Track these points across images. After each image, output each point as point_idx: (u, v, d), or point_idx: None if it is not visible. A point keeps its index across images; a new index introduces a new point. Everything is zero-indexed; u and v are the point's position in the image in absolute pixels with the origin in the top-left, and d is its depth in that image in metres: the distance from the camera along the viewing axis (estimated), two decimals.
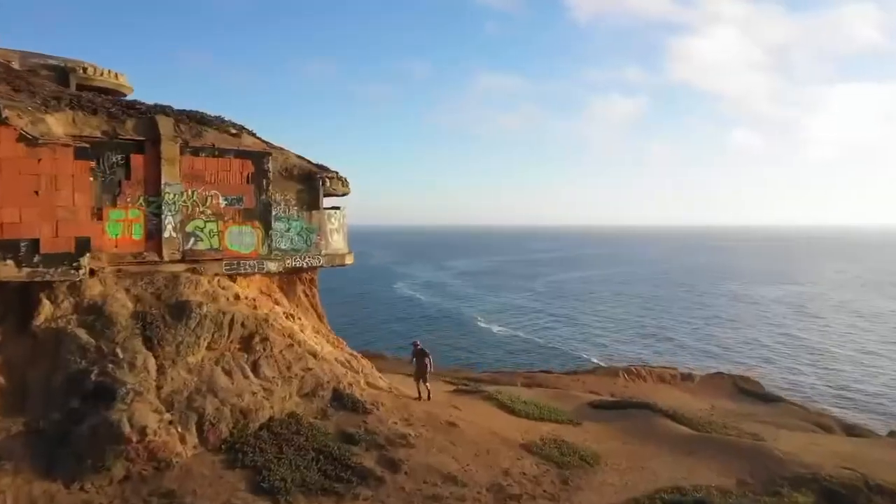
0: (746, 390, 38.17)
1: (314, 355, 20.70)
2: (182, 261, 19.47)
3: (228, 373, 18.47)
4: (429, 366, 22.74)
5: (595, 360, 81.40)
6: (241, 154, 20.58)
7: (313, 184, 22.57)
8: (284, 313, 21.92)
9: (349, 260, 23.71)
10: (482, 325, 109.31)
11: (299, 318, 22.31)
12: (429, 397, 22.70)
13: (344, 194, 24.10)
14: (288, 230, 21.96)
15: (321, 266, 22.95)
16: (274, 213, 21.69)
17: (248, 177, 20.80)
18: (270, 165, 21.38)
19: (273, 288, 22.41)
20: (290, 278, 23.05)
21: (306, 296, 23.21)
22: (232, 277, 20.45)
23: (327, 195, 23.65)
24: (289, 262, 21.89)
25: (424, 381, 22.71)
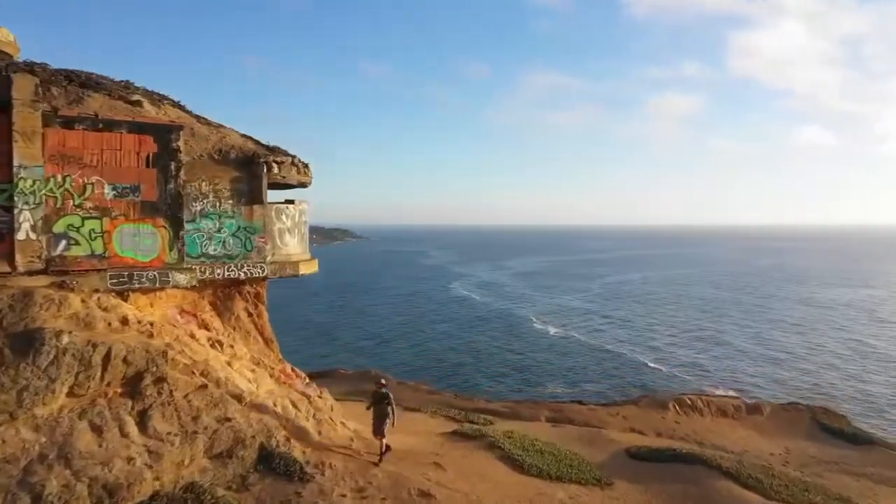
0: (829, 427, 30.83)
1: (238, 399, 15.26)
2: (45, 272, 14.23)
3: (98, 429, 13.18)
4: (391, 415, 16.91)
5: (652, 365, 74.95)
6: (139, 128, 15.19)
7: (254, 170, 17.11)
8: (211, 340, 16.56)
9: (307, 268, 18.13)
10: (537, 326, 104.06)
11: (231, 346, 16.88)
12: (385, 451, 16.90)
13: (302, 184, 18.56)
14: (219, 230, 16.51)
15: (265, 277, 17.47)
16: (198, 207, 16.30)
17: (148, 158, 15.42)
18: (182, 143, 15.96)
19: (202, 306, 17.01)
20: (226, 293, 17.60)
21: (249, 315, 17.76)
22: (123, 294, 15.14)
23: (277, 185, 18.16)
24: (218, 273, 16.44)
25: (383, 436, 16.88)
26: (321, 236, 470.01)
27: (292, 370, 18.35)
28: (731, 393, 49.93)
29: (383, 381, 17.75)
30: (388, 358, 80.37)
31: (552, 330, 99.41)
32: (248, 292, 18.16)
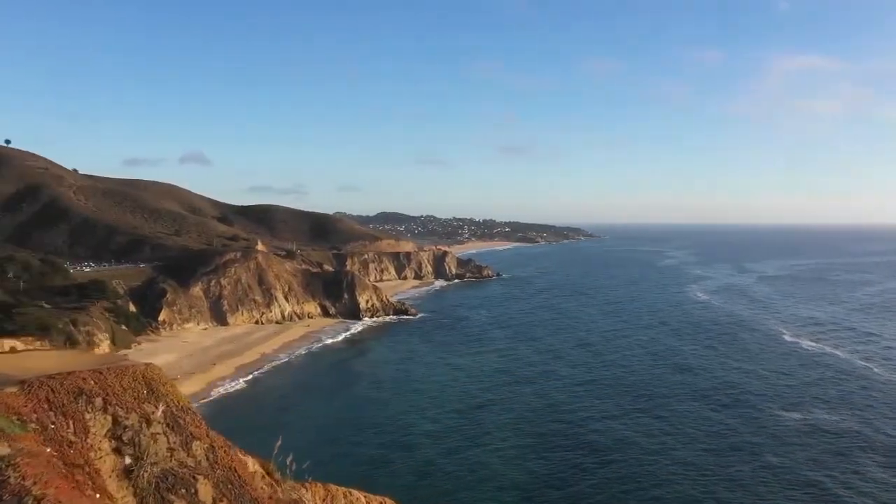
0: None
1: None
2: None
3: None
4: None
5: None
6: None
7: None
8: None
9: None
10: (787, 339, 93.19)
11: None
12: None
13: None
14: None
15: None
16: None
17: None
18: None
19: None
20: None
21: None
22: None
23: None
24: None
25: None
26: (551, 234, 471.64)
27: None
28: None
29: None
30: (580, 361, 77.10)
31: (805, 343, 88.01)
32: None
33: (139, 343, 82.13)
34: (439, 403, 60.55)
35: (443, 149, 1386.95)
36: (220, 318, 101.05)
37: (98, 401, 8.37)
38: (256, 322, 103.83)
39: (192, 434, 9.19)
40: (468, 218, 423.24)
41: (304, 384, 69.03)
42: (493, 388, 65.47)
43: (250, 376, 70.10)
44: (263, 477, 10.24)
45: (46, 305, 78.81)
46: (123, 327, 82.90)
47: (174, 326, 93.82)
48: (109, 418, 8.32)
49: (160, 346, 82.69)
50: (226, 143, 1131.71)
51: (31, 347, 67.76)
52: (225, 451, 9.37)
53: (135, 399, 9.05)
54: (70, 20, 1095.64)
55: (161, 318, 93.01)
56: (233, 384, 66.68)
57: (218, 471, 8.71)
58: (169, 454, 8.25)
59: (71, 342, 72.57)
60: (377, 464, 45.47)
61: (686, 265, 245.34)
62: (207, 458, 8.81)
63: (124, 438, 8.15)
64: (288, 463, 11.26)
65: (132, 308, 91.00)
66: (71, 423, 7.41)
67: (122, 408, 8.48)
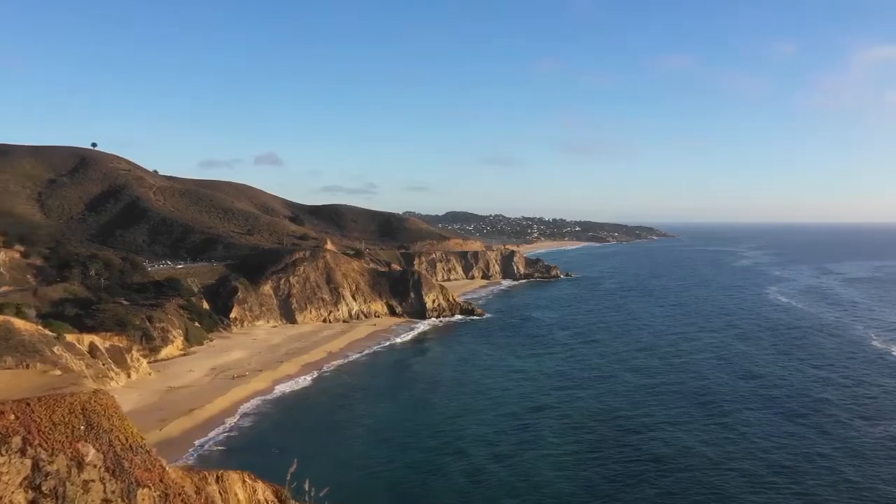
0: None
1: None
2: None
3: None
4: None
5: None
6: None
7: None
8: None
9: None
10: (877, 345, 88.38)
11: None
12: None
13: None
14: None
15: None
16: None
17: None
18: None
19: None
20: None
21: None
22: None
23: None
24: None
25: None
26: (622, 234, 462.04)
27: None
28: None
29: None
30: (645, 365, 74.64)
31: (895, 350, 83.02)
32: None
33: (211, 340, 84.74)
34: (497, 406, 59.87)
35: (513, 149, 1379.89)
36: (289, 316, 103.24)
37: (16, 440, 6.68)
38: (324, 320, 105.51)
39: (137, 480, 7.39)
40: (537, 217, 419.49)
41: (364, 383, 69.53)
42: (552, 392, 64.27)
43: (315, 374, 71.30)
44: None
45: (125, 302, 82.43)
46: (197, 324, 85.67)
47: (245, 324, 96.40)
48: (28, 462, 6.62)
49: (231, 343, 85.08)
50: (299, 144, 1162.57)
51: (109, 343, 70.02)
52: (182, 500, 7.66)
53: (67, 437, 7.25)
54: (157, 30, 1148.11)
55: (233, 315, 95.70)
56: (297, 382, 67.98)
57: None
58: None
59: (146, 338, 75.63)
60: (429, 466, 45.32)
61: (763, 266, 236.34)
62: None
63: (45, 488, 6.49)
64: (307, 488, 10.78)
65: (205, 305, 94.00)
66: None
67: (46, 449, 6.73)
